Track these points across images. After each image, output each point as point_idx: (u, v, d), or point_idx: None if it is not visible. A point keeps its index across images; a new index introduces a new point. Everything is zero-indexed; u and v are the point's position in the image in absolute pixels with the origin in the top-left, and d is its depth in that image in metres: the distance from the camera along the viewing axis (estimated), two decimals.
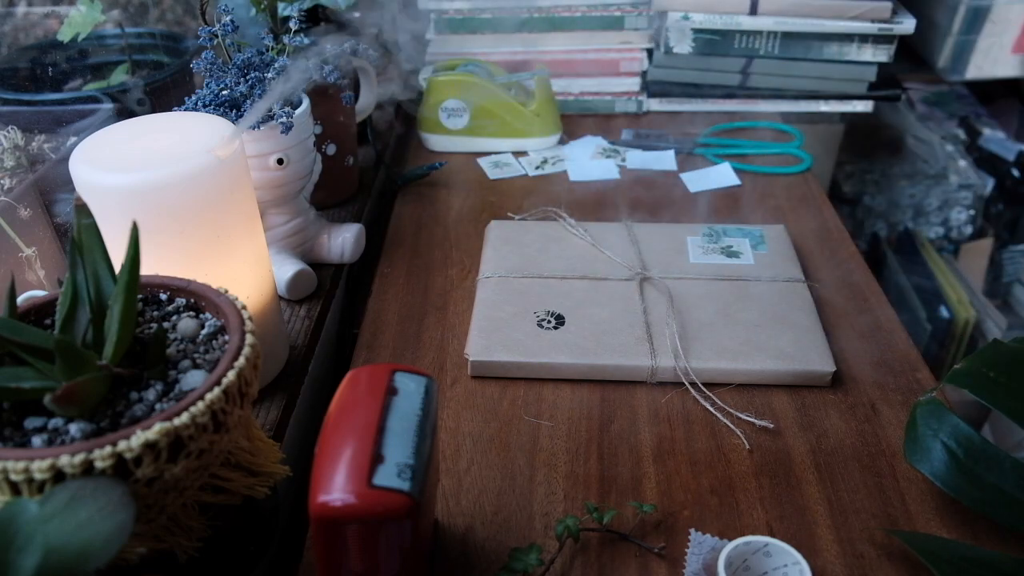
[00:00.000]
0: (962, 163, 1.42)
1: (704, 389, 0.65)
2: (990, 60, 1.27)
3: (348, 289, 0.89)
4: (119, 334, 0.40)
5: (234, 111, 0.65)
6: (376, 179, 0.98)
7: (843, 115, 1.14)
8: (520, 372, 0.67)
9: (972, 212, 1.43)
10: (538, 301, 0.72)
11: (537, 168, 1.00)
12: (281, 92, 0.65)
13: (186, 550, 0.41)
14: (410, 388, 0.44)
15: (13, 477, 0.35)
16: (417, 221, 0.90)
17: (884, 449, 0.61)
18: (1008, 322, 1.31)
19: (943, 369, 1.30)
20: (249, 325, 0.44)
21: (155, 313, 0.47)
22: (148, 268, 0.43)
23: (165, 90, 0.85)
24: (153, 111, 0.69)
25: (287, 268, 0.71)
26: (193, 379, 0.42)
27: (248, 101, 0.65)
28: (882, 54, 1.06)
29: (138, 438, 0.36)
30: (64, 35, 0.81)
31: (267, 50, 0.71)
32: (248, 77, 0.67)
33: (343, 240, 0.77)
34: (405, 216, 0.91)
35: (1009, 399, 0.53)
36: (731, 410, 0.64)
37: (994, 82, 1.37)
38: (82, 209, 0.42)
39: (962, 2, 1.22)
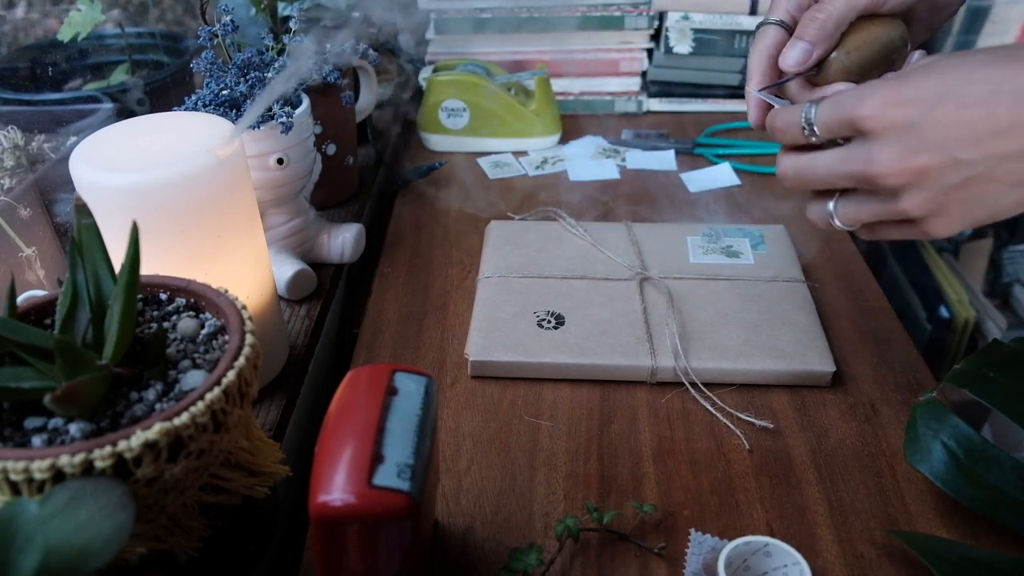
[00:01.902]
0: None
1: (704, 389, 0.65)
2: None
3: (348, 289, 0.89)
4: (119, 334, 0.40)
5: (234, 111, 0.65)
6: (376, 179, 0.98)
7: None
8: (520, 372, 0.67)
9: None
10: (538, 301, 0.72)
11: (537, 168, 1.00)
12: (280, 91, 0.65)
13: (186, 550, 0.41)
14: (410, 388, 0.44)
15: (13, 477, 0.35)
16: (417, 221, 0.90)
17: (884, 449, 0.61)
18: (1008, 322, 1.31)
19: (943, 369, 1.30)
20: (249, 325, 0.44)
21: (155, 313, 0.47)
22: (148, 268, 0.43)
23: (165, 90, 0.86)
24: (153, 111, 0.69)
25: (287, 268, 0.71)
26: (193, 379, 0.42)
27: (248, 101, 0.65)
28: None
29: (138, 438, 0.36)
30: (64, 35, 0.81)
31: (267, 50, 0.71)
32: (248, 77, 0.67)
33: (343, 240, 0.77)
34: (405, 216, 0.91)
35: (1009, 399, 0.53)
36: (731, 410, 0.64)
37: None
38: (82, 209, 0.42)
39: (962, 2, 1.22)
